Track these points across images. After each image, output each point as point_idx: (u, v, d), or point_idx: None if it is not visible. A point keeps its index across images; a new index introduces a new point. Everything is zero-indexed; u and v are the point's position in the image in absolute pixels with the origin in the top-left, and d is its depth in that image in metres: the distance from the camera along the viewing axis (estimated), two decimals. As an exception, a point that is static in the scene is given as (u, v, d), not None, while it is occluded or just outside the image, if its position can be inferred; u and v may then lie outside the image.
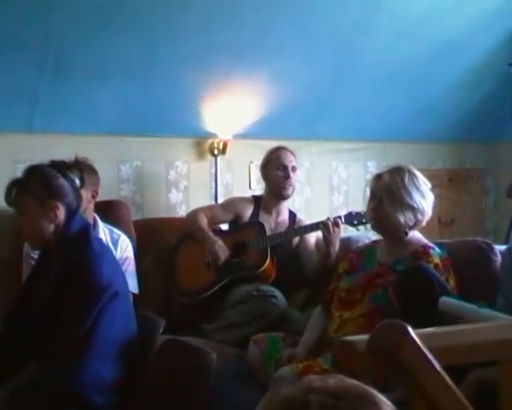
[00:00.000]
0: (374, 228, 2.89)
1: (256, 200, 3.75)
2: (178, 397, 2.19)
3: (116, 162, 4.05)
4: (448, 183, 4.98)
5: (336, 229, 3.34)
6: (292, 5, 3.81)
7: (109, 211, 3.63)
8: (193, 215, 3.70)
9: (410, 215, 2.72)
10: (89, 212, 3.31)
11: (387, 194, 2.72)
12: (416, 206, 2.71)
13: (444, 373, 1.31)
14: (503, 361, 1.53)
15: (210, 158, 4.23)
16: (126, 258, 3.40)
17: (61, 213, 2.40)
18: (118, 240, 3.41)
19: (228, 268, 3.52)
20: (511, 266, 2.65)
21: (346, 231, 3.46)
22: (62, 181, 2.42)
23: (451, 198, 4.96)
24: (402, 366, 1.30)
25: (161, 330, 2.42)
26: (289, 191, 3.69)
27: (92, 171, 3.40)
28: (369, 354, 1.34)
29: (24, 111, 3.70)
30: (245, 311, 3.31)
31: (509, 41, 4.44)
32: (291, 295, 3.49)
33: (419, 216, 2.74)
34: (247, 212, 3.70)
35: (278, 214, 3.72)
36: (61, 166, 2.49)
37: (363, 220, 3.28)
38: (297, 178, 3.80)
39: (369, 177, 3.20)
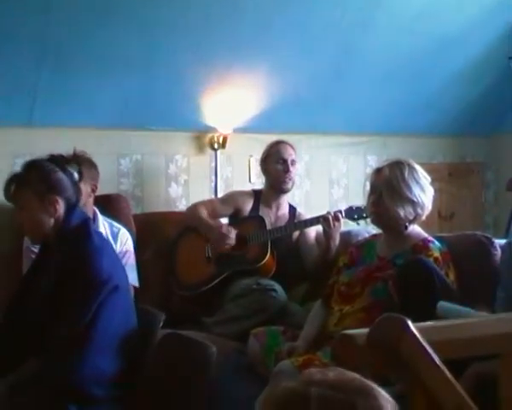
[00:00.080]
0: (374, 222, 2.89)
1: (256, 194, 3.75)
2: (178, 391, 2.19)
3: (116, 156, 4.04)
4: (448, 177, 4.97)
5: (337, 223, 3.33)
6: (292, -2, 3.81)
7: (109, 205, 3.63)
8: (193, 209, 3.70)
9: (409, 209, 2.72)
10: (88, 206, 3.31)
11: (387, 188, 2.72)
12: (415, 200, 2.71)
13: (443, 367, 1.31)
14: (503, 355, 1.53)
15: (210, 152, 4.22)
16: (126, 251, 3.40)
17: (61, 207, 2.40)
18: (118, 233, 3.41)
19: (228, 262, 3.52)
20: (511, 260, 2.65)
21: (345, 224, 3.46)
22: (61, 175, 2.42)
23: (451, 192, 4.96)
24: (402, 360, 1.30)
25: (161, 324, 2.43)
26: (289, 185, 3.68)
27: (91, 164, 3.39)
28: (369, 348, 1.34)
29: (23, 105, 3.69)
30: (245, 304, 3.31)
31: (509, 35, 4.43)
32: (291, 289, 3.49)
33: (419, 210, 2.73)
34: (247, 206, 3.70)
35: (278, 208, 3.71)
36: (59, 160, 2.49)
37: (364, 215, 3.27)
38: (297, 171, 3.80)
39: (369, 171, 3.20)
